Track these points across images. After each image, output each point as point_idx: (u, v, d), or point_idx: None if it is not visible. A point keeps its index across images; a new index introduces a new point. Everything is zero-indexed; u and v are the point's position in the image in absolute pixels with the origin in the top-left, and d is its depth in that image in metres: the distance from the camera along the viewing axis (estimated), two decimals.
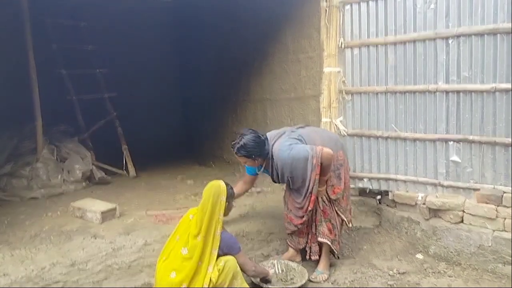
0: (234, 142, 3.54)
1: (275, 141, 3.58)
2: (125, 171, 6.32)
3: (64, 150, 5.75)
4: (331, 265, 3.81)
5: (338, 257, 3.90)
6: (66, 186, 5.42)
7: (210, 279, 2.95)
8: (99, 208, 4.17)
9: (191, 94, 7.94)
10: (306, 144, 3.53)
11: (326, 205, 3.65)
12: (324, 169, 3.44)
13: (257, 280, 3.47)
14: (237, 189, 3.84)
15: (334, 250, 3.75)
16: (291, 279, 3.62)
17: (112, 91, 6.75)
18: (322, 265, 3.73)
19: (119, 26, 7.50)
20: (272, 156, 3.53)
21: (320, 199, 3.62)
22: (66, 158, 5.69)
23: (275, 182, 3.78)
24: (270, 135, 3.67)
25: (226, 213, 3.17)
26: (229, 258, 3.08)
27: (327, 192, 3.63)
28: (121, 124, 6.65)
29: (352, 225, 3.98)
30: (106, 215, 4.16)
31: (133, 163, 6.37)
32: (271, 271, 3.59)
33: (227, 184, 3.16)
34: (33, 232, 3.92)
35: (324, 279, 3.64)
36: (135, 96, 7.77)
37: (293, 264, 3.73)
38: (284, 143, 3.51)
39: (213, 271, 2.98)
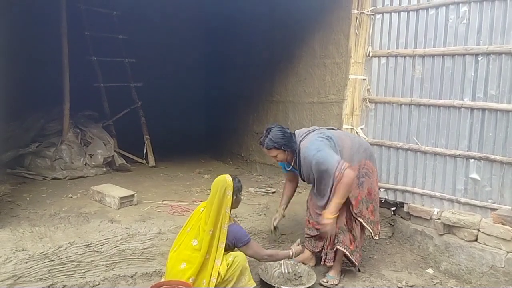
0: (261, 137, 3.55)
1: (303, 137, 3.55)
2: (145, 160, 6.45)
3: (88, 134, 5.90)
4: (341, 272, 3.81)
5: (359, 270, 3.86)
6: (87, 170, 5.57)
7: (219, 273, 2.99)
8: (117, 194, 4.29)
9: (215, 90, 8.03)
10: (335, 146, 3.48)
11: (348, 216, 3.60)
12: (339, 189, 3.29)
13: (266, 278, 3.50)
14: (287, 190, 3.91)
15: (354, 262, 3.68)
16: (299, 278, 3.63)
17: (139, 81, 6.89)
18: (334, 271, 3.71)
19: (150, 17, 7.66)
20: (299, 151, 3.52)
21: (344, 207, 3.54)
22: (89, 143, 5.84)
23: (303, 180, 3.76)
24: (298, 132, 3.66)
25: (234, 206, 3.20)
26: (239, 253, 3.12)
27: (351, 207, 3.56)
28: (145, 114, 6.78)
29: (378, 237, 3.90)
30: (124, 201, 4.28)
31: (153, 153, 6.48)
32: (277, 271, 3.63)
33: (233, 178, 3.18)
34: (53, 211, 4.06)
35: (334, 283, 3.64)
36: (160, 88, 7.90)
37: (301, 266, 3.74)
38: (313, 141, 3.46)
39: (222, 265, 3.02)
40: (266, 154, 3.63)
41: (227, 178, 3.14)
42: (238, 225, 3.28)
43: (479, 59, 3.81)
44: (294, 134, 3.58)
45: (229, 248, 3.11)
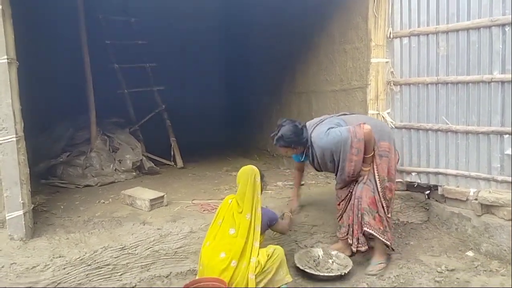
0: (272, 134, 3.66)
1: (313, 129, 3.61)
2: (173, 162, 6.51)
3: (116, 141, 6.00)
4: (386, 253, 3.72)
5: (393, 249, 3.79)
6: (117, 175, 5.67)
7: (259, 262, 3.06)
8: (148, 196, 4.34)
9: (237, 87, 8.02)
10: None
11: (371, 198, 3.55)
12: (365, 146, 3.43)
13: (302, 265, 3.53)
14: (296, 178, 4.24)
15: (386, 241, 3.60)
16: (333, 264, 3.67)
17: (161, 84, 6.95)
18: (376, 256, 3.65)
19: (167, 20, 7.72)
20: (311, 144, 3.59)
21: (365, 187, 3.55)
22: (117, 149, 5.94)
23: (317, 170, 3.85)
24: (309, 123, 3.72)
25: (261, 192, 3.36)
26: (278, 246, 3.23)
27: (375, 172, 3.55)
28: (169, 116, 6.84)
29: (391, 215, 3.76)
30: (155, 203, 4.33)
31: (181, 155, 6.54)
32: (312, 254, 3.75)
33: (256, 166, 3.39)
34: (87, 217, 4.14)
35: (381, 268, 3.57)
36: (183, 89, 7.96)
37: (338, 253, 3.75)
38: (321, 129, 3.55)
39: (262, 255, 3.10)
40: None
41: (253, 167, 3.36)
42: (264, 207, 3.45)
43: (506, 29, 3.64)
44: (305, 126, 3.65)
45: (262, 230, 3.23)
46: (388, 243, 3.63)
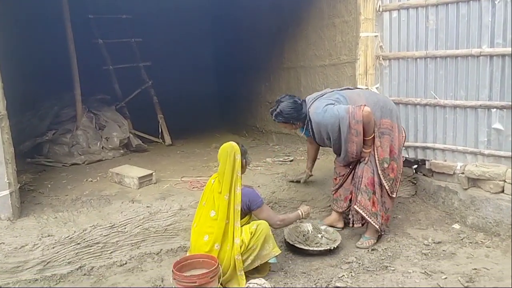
0: (271, 109, 3.64)
1: (312, 103, 3.56)
2: (161, 139, 6.45)
3: (102, 118, 5.91)
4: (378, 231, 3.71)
5: (381, 234, 3.74)
6: (104, 153, 5.61)
7: (243, 241, 3.02)
8: (136, 174, 4.31)
9: (225, 63, 7.91)
10: (348, 104, 3.47)
11: (370, 178, 3.55)
12: (364, 128, 3.39)
13: (291, 240, 3.55)
14: (310, 152, 4.13)
15: (374, 224, 3.56)
16: (322, 238, 3.70)
17: (147, 60, 6.82)
18: (369, 231, 3.68)
19: None
20: (310, 119, 3.55)
21: (365, 167, 3.55)
22: (104, 126, 5.86)
23: (319, 145, 3.86)
24: (309, 97, 3.67)
25: (243, 170, 3.24)
26: (261, 222, 3.15)
27: (375, 154, 3.53)
28: (156, 93, 6.74)
29: (395, 195, 3.71)
30: (143, 181, 4.30)
31: (169, 132, 6.48)
32: (301, 229, 3.73)
33: (237, 143, 3.24)
34: (75, 196, 4.11)
35: (370, 244, 3.62)
36: (170, 65, 7.82)
37: (326, 228, 3.80)
38: (319, 105, 3.49)
39: (245, 232, 3.05)
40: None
41: (232, 143, 3.20)
42: (251, 188, 3.33)
43: (496, 2, 3.61)
44: (305, 101, 3.61)
45: (244, 212, 3.15)
46: (377, 226, 3.58)
